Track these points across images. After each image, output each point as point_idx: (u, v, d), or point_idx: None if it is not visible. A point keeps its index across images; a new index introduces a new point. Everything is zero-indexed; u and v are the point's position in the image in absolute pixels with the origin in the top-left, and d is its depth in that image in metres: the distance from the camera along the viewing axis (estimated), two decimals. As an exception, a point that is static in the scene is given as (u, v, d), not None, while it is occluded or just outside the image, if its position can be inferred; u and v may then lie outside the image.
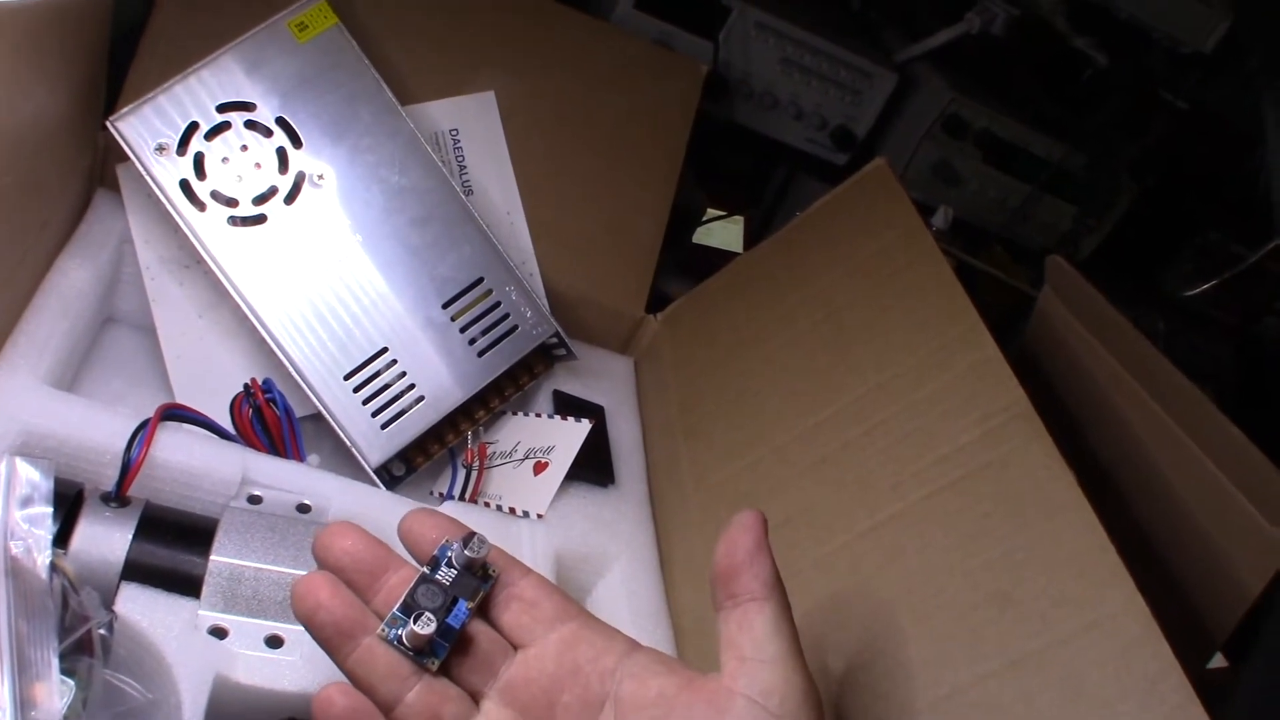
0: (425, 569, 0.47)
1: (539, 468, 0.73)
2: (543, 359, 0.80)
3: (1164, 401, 0.68)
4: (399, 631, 0.44)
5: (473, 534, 0.47)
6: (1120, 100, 1.10)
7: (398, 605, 0.45)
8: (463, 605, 0.46)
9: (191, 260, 0.74)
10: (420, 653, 0.45)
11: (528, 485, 0.72)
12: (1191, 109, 1.13)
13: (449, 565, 0.47)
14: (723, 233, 1.35)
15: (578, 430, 0.74)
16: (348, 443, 0.71)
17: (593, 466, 0.75)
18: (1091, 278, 0.81)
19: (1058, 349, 0.75)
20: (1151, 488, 0.69)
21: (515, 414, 0.79)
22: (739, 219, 1.34)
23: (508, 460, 0.75)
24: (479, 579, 0.47)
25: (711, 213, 1.22)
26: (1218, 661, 0.78)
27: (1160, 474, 0.68)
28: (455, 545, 0.47)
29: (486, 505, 0.72)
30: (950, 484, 0.60)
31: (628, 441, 0.82)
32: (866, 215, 0.78)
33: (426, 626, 0.44)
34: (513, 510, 0.71)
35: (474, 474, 0.73)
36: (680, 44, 1.00)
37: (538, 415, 0.78)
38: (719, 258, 1.18)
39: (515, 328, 0.76)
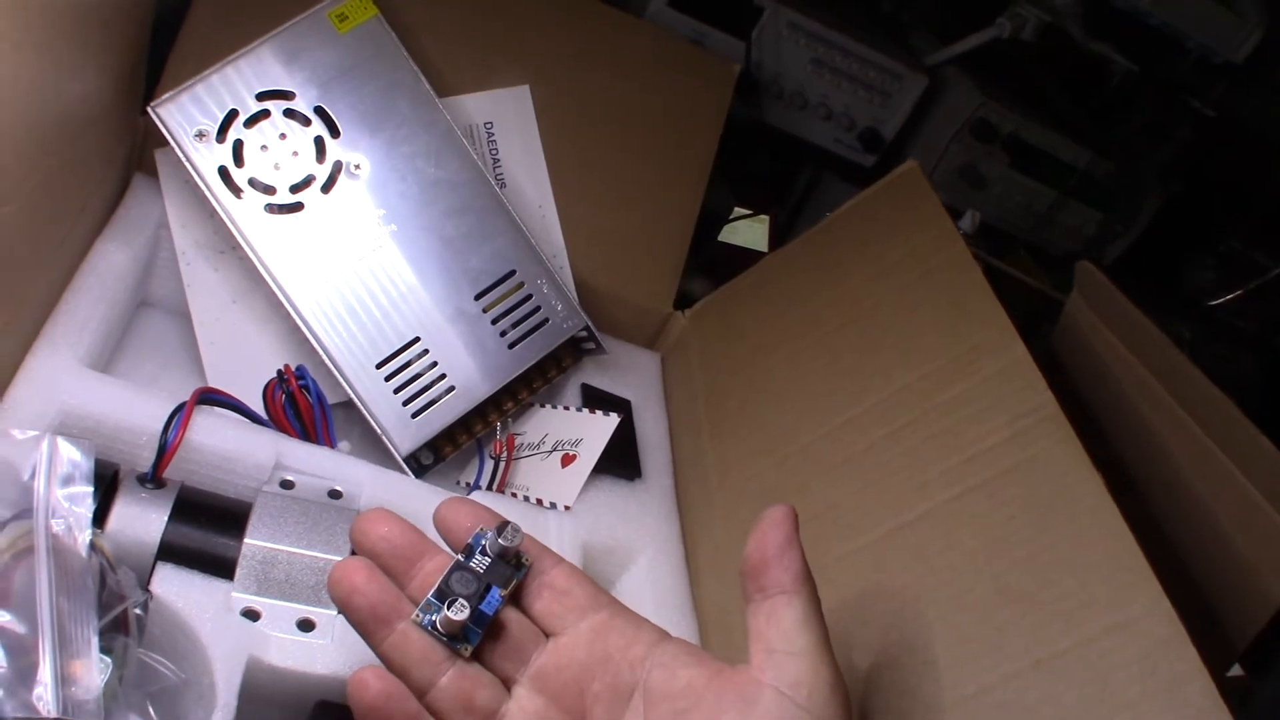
0: (460, 556, 0.47)
1: (566, 460, 0.74)
2: (571, 352, 0.80)
3: (1191, 409, 0.68)
4: (433, 617, 0.45)
5: (507, 523, 0.48)
6: (1148, 108, 1.10)
7: (432, 591, 0.46)
8: (496, 592, 0.46)
9: (227, 246, 0.74)
10: (454, 638, 0.45)
11: (555, 477, 0.73)
12: (1219, 118, 1.13)
13: (483, 553, 0.47)
14: (748, 232, 1.35)
15: (606, 424, 0.74)
16: (378, 430, 0.71)
17: (620, 460, 0.76)
18: (1115, 283, 0.81)
19: (1085, 354, 0.75)
20: (1177, 494, 0.69)
21: (543, 406, 0.79)
22: (764, 218, 1.35)
23: (535, 452, 0.76)
24: (512, 567, 0.48)
25: (738, 211, 1.22)
26: (1235, 671, 0.78)
27: (1186, 480, 0.68)
28: (489, 534, 0.48)
29: (514, 496, 0.73)
30: (977, 485, 0.60)
31: (654, 436, 0.82)
32: (897, 217, 0.78)
33: (460, 612, 0.45)
34: (540, 501, 0.72)
35: (502, 465, 0.74)
36: (712, 42, 1.00)
37: (566, 408, 0.79)
38: (745, 256, 1.19)
39: (546, 321, 0.77)
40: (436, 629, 0.45)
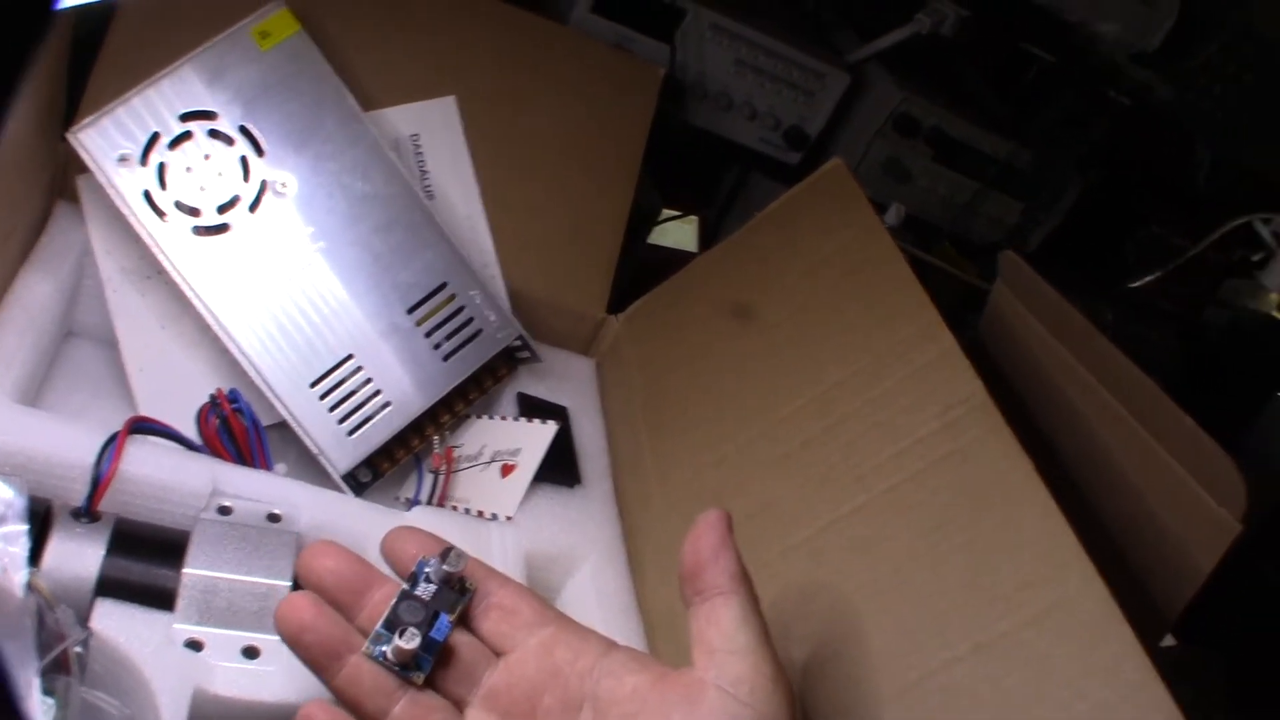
0: (405, 585, 0.47)
1: (506, 470, 0.74)
2: (506, 362, 0.80)
3: (1115, 390, 0.70)
4: (384, 648, 0.45)
5: (450, 548, 0.48)
6: (1066, 98, 1.13)
7: (381, 622, 0.46)
8: (444, 619, 0.47)
9: (153, 271, 0.73)
10: (405, 667, 0.45)
11: (495, 488, 0.73)
12: (1135, 106, 1.16)
13: (428, 580, 0.48)
14: (677, 233, 1.36)
15: (544, 432, 0.75)
16: (315, 450, 0.71)
17: (559, 467, 0.76)
18: (1038, 270, 0.83)
19: (1011, 341, 0.77)
20: (1105, 473, 0.71)
21: (480, 417, 0.79)
22: (693, 219, 1.36)
23: (474, 464, 0.76)
24: (457, 592, 0.48)
25: (666, 213, 1.23)
26: (1168, 641, 0.80)
27: (1113, 460, 0.70)
28: (433, 561, 0.48)
29: (454, 509, 0.73)
30: (913, 475, 0.62)
31: (592, 442, 0.82)
32: (824, 214, 0.79)
33: (411, 641, 0.45)
34: (481, 513, 0.72)
35: (441, 478, 0.74)
36: (637, 47, 1.01)
37: (503, 418, 0.79)
38: (675, 258, 1.19)
39: (479, 332, 0.77)
40: (388, 659, 0.45)
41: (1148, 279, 1.19)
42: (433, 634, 0.46)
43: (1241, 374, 1.10)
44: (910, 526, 0.59)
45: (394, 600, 0.47)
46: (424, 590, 0.47)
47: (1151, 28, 1.03)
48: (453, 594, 0.48)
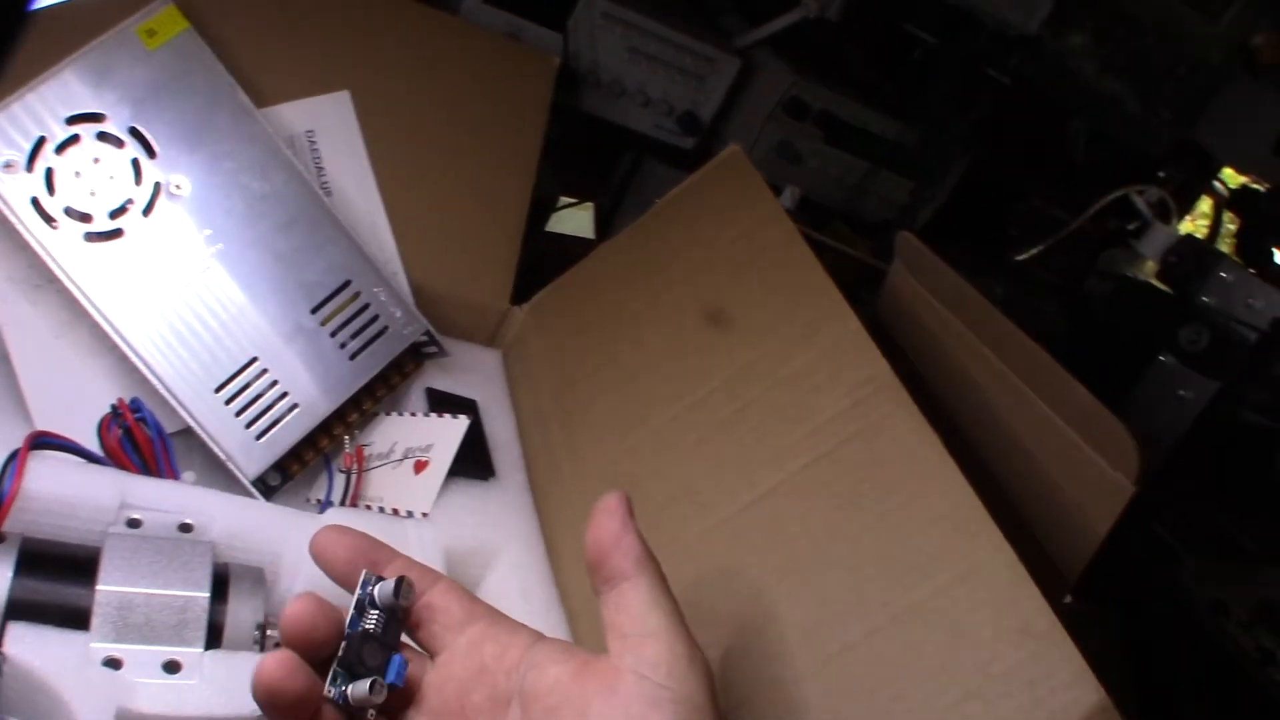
0: (353, 611, 0.46)
1: (419, 466, 0.73)
2: (413, 358, 0.80)
3: (1012, 362, 0.73)
4: (343, 689, 0.44)
5: (402, 579, 0.47)
6: (950, 78, 1.16)
7: (337, 660, 0.45)
8: (399, 661, 0.46)
9: (44, 279, 0.71)
10: (361, 709, 0.45)
11: (409, 485, 0.73)
12: (1014, 85, 1.20)
13: (373, 605, 0.47)
14: (575, 220, 1.36)
15: (456, 426, 0.74)
16: (222, 456, 0.70)
17: (472, 461, 0.76)
18: (934, 249, 0.85)
19: (910, 319, 0.79)
20: (1005, 442, 0.73)
21: (389, 415, 0.79)
22: (590, 205, 1.36)
23: (386, 461, 0.75)
24: (401, 620, 0.48)
25: (564, 200, 1.23)
26: (1067, 600, 0.83)
27: (1012, 429, 0.73)
28: (378, 587, 0.47)
29: (368, 508, 0.72)
30: (824, 454, 0.63)
31: (503, 434, 0.82)
32: (724, 200, 0.80)
33: (379, 694, 0.44)
34: (396, 511, 0.71)
35: (353, 478, 0.73)
36: (529, 36, 1.00)
37: (413, 414, 0.78)
38: (575, 245, 1.20)
39: (385, 329, 0.76)
40: (347, 702, 0.44)
41: (1032, 252, 1.24)
42: (393, 680, 0.46)
43: (1124, 340, 1.15)
44: (825, 504, 0.61)
45: (346, 633, 0.46)
46: (374, 621, 0.46)
47: (1030, 11, 1.07)
48: (398, 623, 0.47)
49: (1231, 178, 1.56)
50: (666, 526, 0.68)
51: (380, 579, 0.47)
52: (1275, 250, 1.36)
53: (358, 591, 0.47)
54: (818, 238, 1.06)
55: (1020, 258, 1.23)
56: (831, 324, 0.68)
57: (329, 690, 0.44)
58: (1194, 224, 1.68)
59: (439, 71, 0.89)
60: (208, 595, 0.56)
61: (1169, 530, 1.17)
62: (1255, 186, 1.51)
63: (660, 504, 0.69)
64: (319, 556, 0.48)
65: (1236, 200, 1.53)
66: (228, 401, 0.70)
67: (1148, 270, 1.20)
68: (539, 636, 0.49)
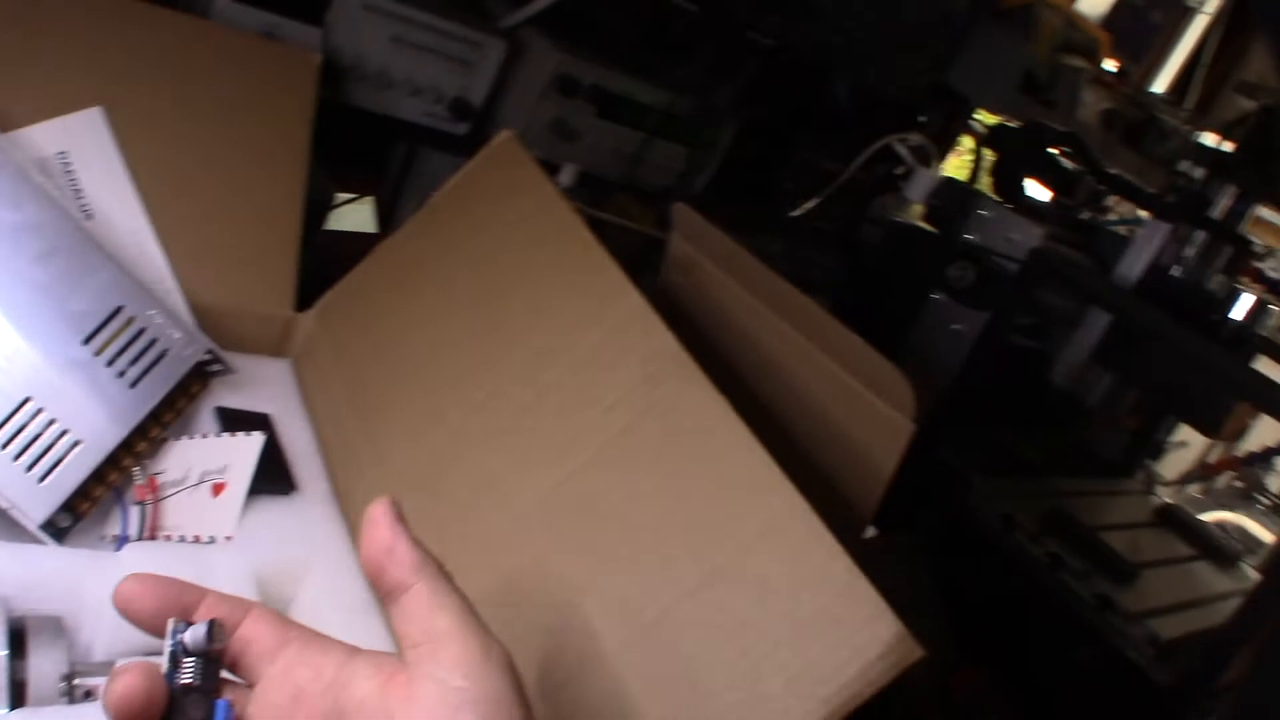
0: (169, 666, 0.44)
1: (217, 489, 0.71)
2: (198, 378, 0.77)
3: (790, 318, 0.76)
4: None
5: (212, 623, 0.45)
6: (713, 45, 1.19)
7: (162, 715, 0.43)
8: (223, 705, 0.44)
9: None
10: None
11: (209, 509, 0.70)
12: (777, 47, 1.24)
13: (186, 653, 0.45)
14: (354, 216, 1.33)
15: (250, 444, 0.72)
16: (4, 504, 0.66)
17: (271, 477, 0.74)
18: (710, 213, 0.88)
19: (692, 287, 0.81)
20: (793, 396, 0.77)
21: (179, 439, 0.76)
22: (369, 200, 1.33)
23: (181, 488, 0.73)
24: (218, 661, 0.46)
25: (341, 197, 1.21)
26: (871, 533, 0.88)
27: (798, 382, 0.76)
28: (188, 632, 0.45)
29: (169, 539, 0.70)
30: (622, 431, 0.65)
31: (302, 444, 0.81)
32: (500, 188, 0.81)
33: None
34: (198, 538, 0.69)
35: (149, 509, 0.70)
36: (287, 33, 0.97)
37: (204, 436, 0.75)
38: (356, 242, 1.17)
39: (165, 352, 0.73)
40: None
41: (806, 206, 1.28)
42: None
43: (898, 281, 1.21)
44: (627, 479, 0.63)
45: (169, 689, 0.43)
46: (190, 672, 0.44)
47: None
48: (214, 663, 0.45)
49: (989, 118, 1.66)
50: (476, 520, 0.68)
51: (189, 624, 0.45)
52: (1025, 182, 1.46)
53: (168, 643, 0.44)
54: (598, 215, 1.07)
55: (794, 213, 1.27)
56: (616, 302, 0.69)
57: None
58: (960, 161, 1.78)
59: (195, 78, 0.85)
60: (4, 653, 0.53)
61: (956, 456, 1.25)
62: (1009, 124, 1.61)
63: (467, 498, 0.69)
64: (125, 611, 0.46)
65: (992, 139, 1.63)
66: (3, 446, 0.67)
67: (915, 213, 1.27)
68: (353, 652, 0.49)
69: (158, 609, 0.46)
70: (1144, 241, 1.28)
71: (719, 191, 1.28)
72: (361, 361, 0.83)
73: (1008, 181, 1.46)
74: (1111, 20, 2.07)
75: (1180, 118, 1.94)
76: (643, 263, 1.11)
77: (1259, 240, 1.73)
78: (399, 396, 0.78)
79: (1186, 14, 3.87)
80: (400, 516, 0.47)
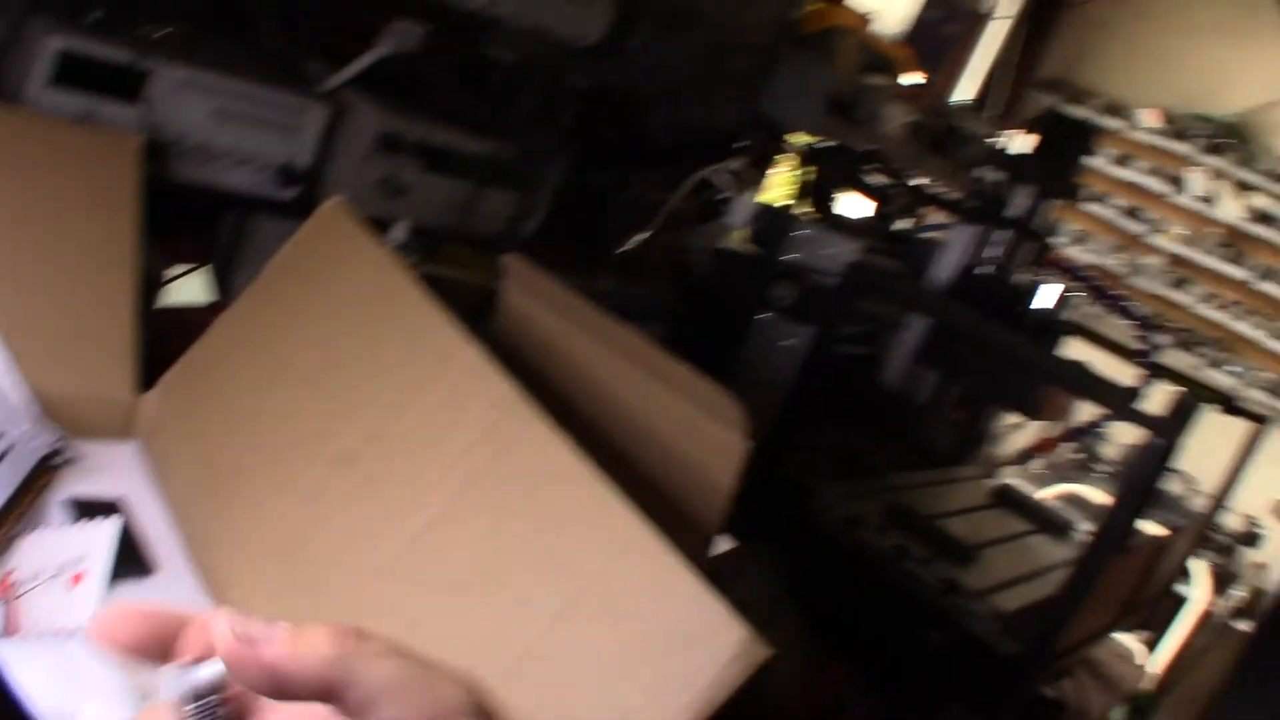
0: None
1: (75, 579, 0.71)
2: (45, 471, 0.77)
3: (625, 353, 0.80)
4: None
5: (217, 672, 0.44)
6: (531, 93, 1.23)
7: None
8: None
9: None
10: None
11: (68, 602, 0.70)
12: (594, 88, 1.29)
13: (196, 699, 0.44)
14: (189, 289, 1.33)
15: (104, 531, 0.73)
16: None
17: (129, 561, 0.75)
18: (543, 256, 0.92)
19: (528, 334, 0.85)
20: (633, 427, 0.81)
21: (30, 534, 0.76)
22: (203, 271, 1.33)
23: (37, 583, 0.72)
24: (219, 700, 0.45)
25: (175, 272, 1.20)
26: (729, 544, 0.93)
27: (637, 414, 0.81)
28: (189, 675, 0.44)
29: (31, 635, 0.70)
30: (469, 480, 0.68)
31: (157, 525, 0.81)
32: (331, 255, 0.83)
33: None
34: (61, 631, 0.69)
35: (5, 609, 0.70)
36: (106, 114, 0.97)
37: (56, 528, 0.75)
38: (193, 316, 1.17)
39: (10, 449, 0.73)
40: None
41: (635, 241, 1.34)
42: None
43: (727, 305, 1.27)
44: (478, 525, 0.66)
45: None
46: (197, 713, 0.43)
47: (589, 23, 1.16)
48: (218, 703, 0.44)
49: (804, 139, 1.75)
50: (337, 580, 0.70)
51: (189, 665, 0.44)
52: (835, 199, 1.54)
53: (174, 689, 0.43)
54: (432, 271, 1.10)
55: (624, 249, 1.32)
56: (455, 356, 0.73)
57: None
58: (784, 180, 1.86)
59: (17, 169, 0.85)
60: None
61: (800, 464, 1.32)
62: (820, 145, 1.70)
63: (327, 559, 0.71)
64: (103, 642, 0.44)
65: (805, 160, 1.71)
66: None
67: (738, 239, 1.33)
68: None
69: (137, 645, 0.45)
70: (952, 245, 1.38)
71: (552, 232, 1.32)
72: (209, 436, 0.83)
73: (822, 200, 1.54)
74: (910, 36, 2.19)
75: (978, 123, 2.07)
76: (480, 312, 1.14)
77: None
78: (250, 467, 0.79)
79: (980, 22, 4.12)
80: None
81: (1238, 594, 2.75)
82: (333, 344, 0.79)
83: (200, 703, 0.43)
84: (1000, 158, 1.45)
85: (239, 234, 1.21)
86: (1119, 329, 2.04)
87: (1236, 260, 3.96)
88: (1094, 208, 4.23)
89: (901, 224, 1.81)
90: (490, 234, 1.25)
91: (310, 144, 1.14)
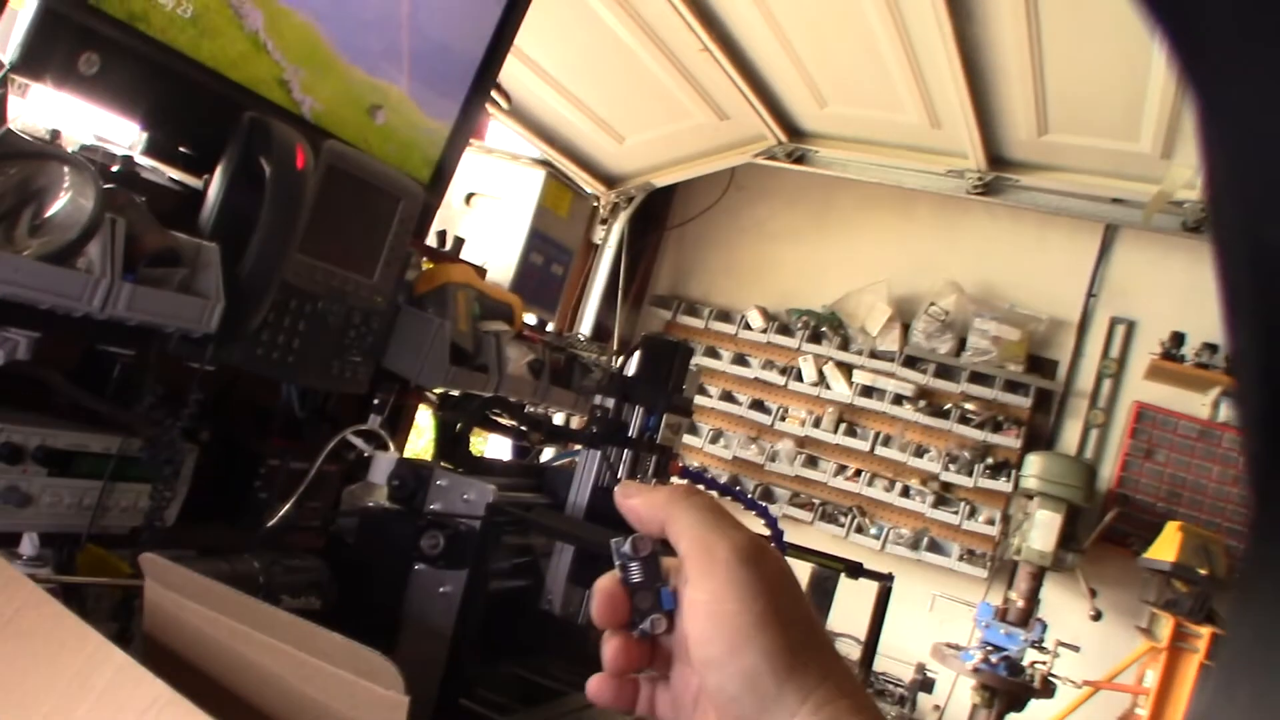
0: (620, 574, 0.59)
1: None
2: None
3: (274, 633, 0.83)
4: (644, 627, 0.59)
5: (635, 537, 0.60)
6: (154, 382, 1.24)
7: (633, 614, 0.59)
8: (665, 592, 0.59)
9: None
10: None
11: None
12: (219, 371, 1.32)
13: (629, 560, 0.59)
14: None
15: None
16: None
17: None
18: (186, 543, 0.92)
19: (178, 630, 0.86)
20: (295, 702, 0.83)
21: None
22: None
23: None
24: (654, 560, 0.60)
25: None
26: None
27: (296, 689, 0.83)
28: (624, 545, 0.60)
29: None
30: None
31: None
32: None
33: (659, 627, 0.59)
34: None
35: None
36: None
37: None
38: None
39: None
40: (646, 634, 0.59)
41: (281, 513, 1.35)
42: (669, 607, 0.59)
43: (381, 563, 1.31)
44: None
45: (625, 587, 0.59)
46: (636, 572, 0.59)
47: (205, 315, 1.20)
48: (653, 563, 0.59)
49: (436, 391, 1.84)
50: None
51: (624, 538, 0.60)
52: (470, 443, 1.63)
53: (615, 557, 0.60)
54: (69, 580, 1.07)
55: (271, 523, 1.34)
56: (102, 665, 0.73)
57: (634, 632, 0.59)
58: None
59: None
60: None
61: (484, 701, 1.35)
62: (450, 393, 1.80)
63: None
64: (629, 515, 0.61)
65: (438, 409, 1.81)
66: None
67: (382, 496, 1.38)
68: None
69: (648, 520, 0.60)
70: (582, 470, 1.49)
71: (195, 516, 1.31)
72: None
73: (458, 447, 1.63)
74: (519, 282, 2.37)
75: (597, 350, 2.26)
76: (128, 610, 1.11)
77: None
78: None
79: (590, 253, 4.48)
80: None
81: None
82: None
83: (627, 564, 0.60)
84: (614, 383, 1.60)
85: None
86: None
87: (854, 433, 4.44)
88: (726, 406, 4.61)
89: (544, 457, 1.94)
90: (129, 529, 1.23)
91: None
